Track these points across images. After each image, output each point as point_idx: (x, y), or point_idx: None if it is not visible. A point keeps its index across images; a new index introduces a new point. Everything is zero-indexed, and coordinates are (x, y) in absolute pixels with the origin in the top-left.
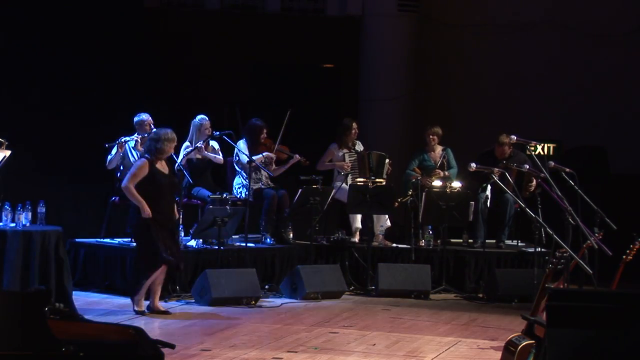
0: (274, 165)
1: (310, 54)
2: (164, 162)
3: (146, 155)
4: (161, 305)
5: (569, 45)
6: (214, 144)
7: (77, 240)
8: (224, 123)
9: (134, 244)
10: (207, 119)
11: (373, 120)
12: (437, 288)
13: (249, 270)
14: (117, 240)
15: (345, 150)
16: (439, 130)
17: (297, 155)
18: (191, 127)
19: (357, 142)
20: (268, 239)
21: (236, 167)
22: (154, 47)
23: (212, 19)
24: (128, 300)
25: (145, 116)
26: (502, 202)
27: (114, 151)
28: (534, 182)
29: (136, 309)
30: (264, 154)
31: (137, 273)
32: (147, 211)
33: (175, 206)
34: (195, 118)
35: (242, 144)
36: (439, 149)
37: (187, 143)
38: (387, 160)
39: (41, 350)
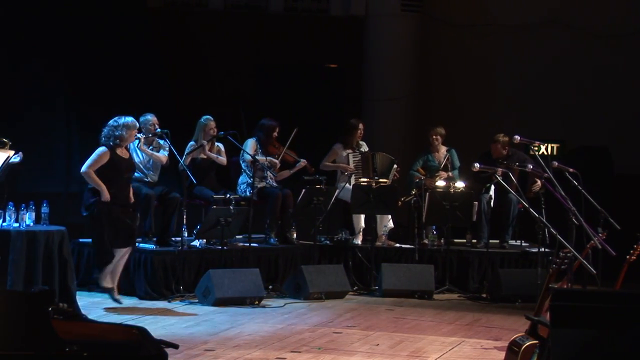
0: (278, 169)
1: (313, 54)
2: (124, 148)
3: (106, 143)
4: (116, 292)
5: (572, 45)
6: (219, 145)
7: (81, 240)
8: (227, 123)
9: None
10: (211, 119)
11: (376, 120)
12: (440, 288)
13: (252, 271)
14: None
15: (349, 151)
16: (442, 131)
17: (304, 161)
18: (197, 127)
19: (362, 142)
20: (272, 239)
21: (242, 165)
22: (157, 47)
23: (215, 19)
24: (132, 300)
25: (150, 116)
26: (506, 202)
27: None
28: (539, 183)
29: (103, 285)
30: (268, 157)
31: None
32: (106, 195)
33: (131, 189)
34: (201, 118)
35: (250, 142)
36: (443, 149)
37: (192, 142)
38: (395, 166)
39: (45, 350)
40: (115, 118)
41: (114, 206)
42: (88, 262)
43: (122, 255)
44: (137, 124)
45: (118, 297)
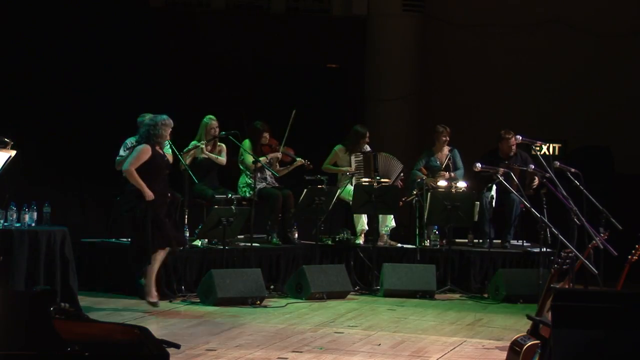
0: (278, 166)
1: (315, 54)
2: (158, 146)
3: (145, 141)
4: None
5: (574, 44)
6: (222, 145)
7: (82, 240)
8: (229, 123)
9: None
10: (214, 118)
11: (378, 121)
12: (442, 288)
13: (254, 270)
14: (122, 240)
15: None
16: (449, 130)
17: (300, 160)
18: (200, 127)
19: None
20: (273, 239)
21: (240, 166)
22: (159, 46)
23: (217, 18)
24: (133, 300)
25: (149, 116)
26: (508, 202)
27: (122, 151)
28: (537, 180)
29: (150, 300)
30: (268, 155)
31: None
32: (149, 194)
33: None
34: (204, 118)
35: (247, 144)
36: (446, 149)
37: (194, 142)
38: (401, 174)
39: (46, 350)
40: (150, 117)
41: (157, 205)
42: (90, 262)
43: (158, 259)
44: (172, 122)
45: (155, 300)
